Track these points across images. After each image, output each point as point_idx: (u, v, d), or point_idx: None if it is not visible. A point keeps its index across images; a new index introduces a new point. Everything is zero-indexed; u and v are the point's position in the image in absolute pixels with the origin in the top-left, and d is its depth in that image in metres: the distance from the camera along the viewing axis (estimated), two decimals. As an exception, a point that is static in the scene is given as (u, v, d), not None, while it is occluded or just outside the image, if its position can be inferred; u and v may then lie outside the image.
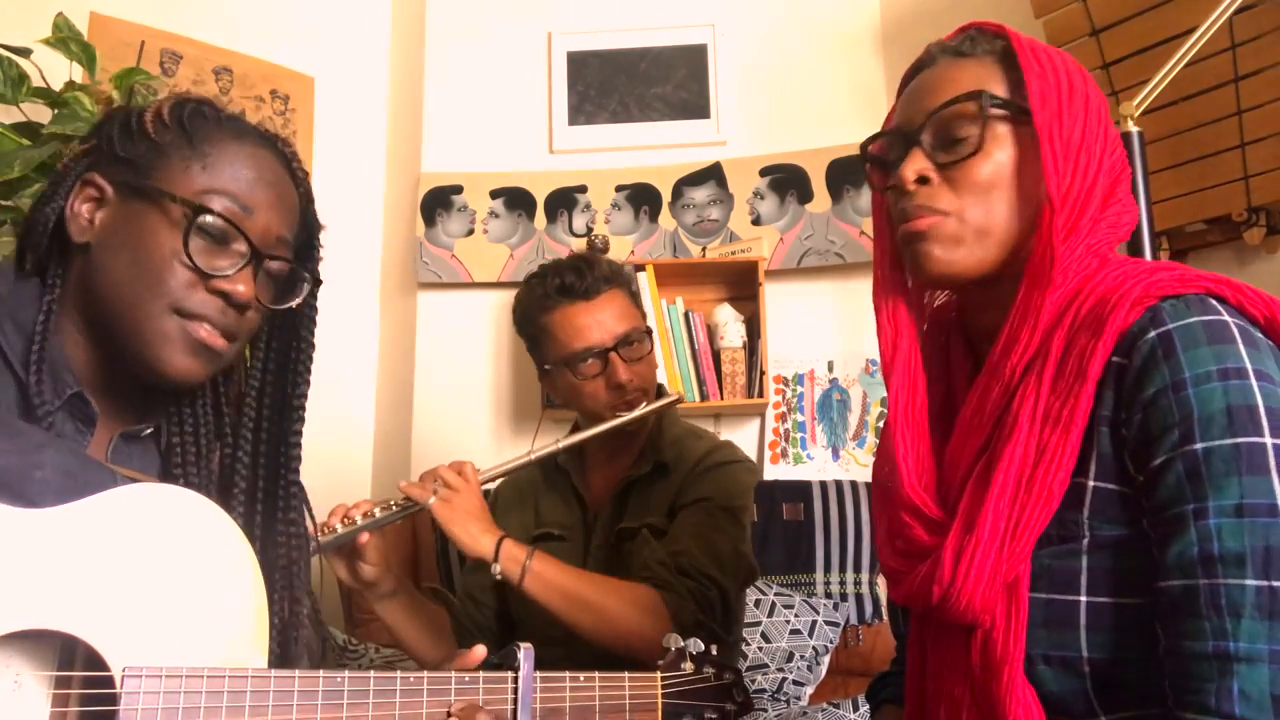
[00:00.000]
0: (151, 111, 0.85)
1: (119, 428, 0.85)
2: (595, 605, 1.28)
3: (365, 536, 1.28)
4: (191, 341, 0.81)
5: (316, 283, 0.92)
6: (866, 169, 0.94)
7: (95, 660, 0.67)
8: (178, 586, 0.71)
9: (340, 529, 1.26)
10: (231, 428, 0.90)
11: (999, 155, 0.82)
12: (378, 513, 1.29)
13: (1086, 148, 0.81)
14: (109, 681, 0.67)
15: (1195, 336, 0.72)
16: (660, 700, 1.00)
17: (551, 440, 1.46)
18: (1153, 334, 0.73)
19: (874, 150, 0.92)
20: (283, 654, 0.85)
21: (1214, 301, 0.74)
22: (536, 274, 1.50)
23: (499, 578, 1.28)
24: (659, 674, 1.01)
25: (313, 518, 0.95)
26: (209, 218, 0.81)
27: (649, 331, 1.50)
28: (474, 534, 1.29)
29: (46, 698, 0.67)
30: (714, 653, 1.08)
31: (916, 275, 0.87)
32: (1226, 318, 0.73)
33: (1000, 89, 0.83)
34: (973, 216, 0.82)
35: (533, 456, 1.43)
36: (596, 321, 1.43)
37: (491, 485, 1.46)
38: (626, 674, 0.98)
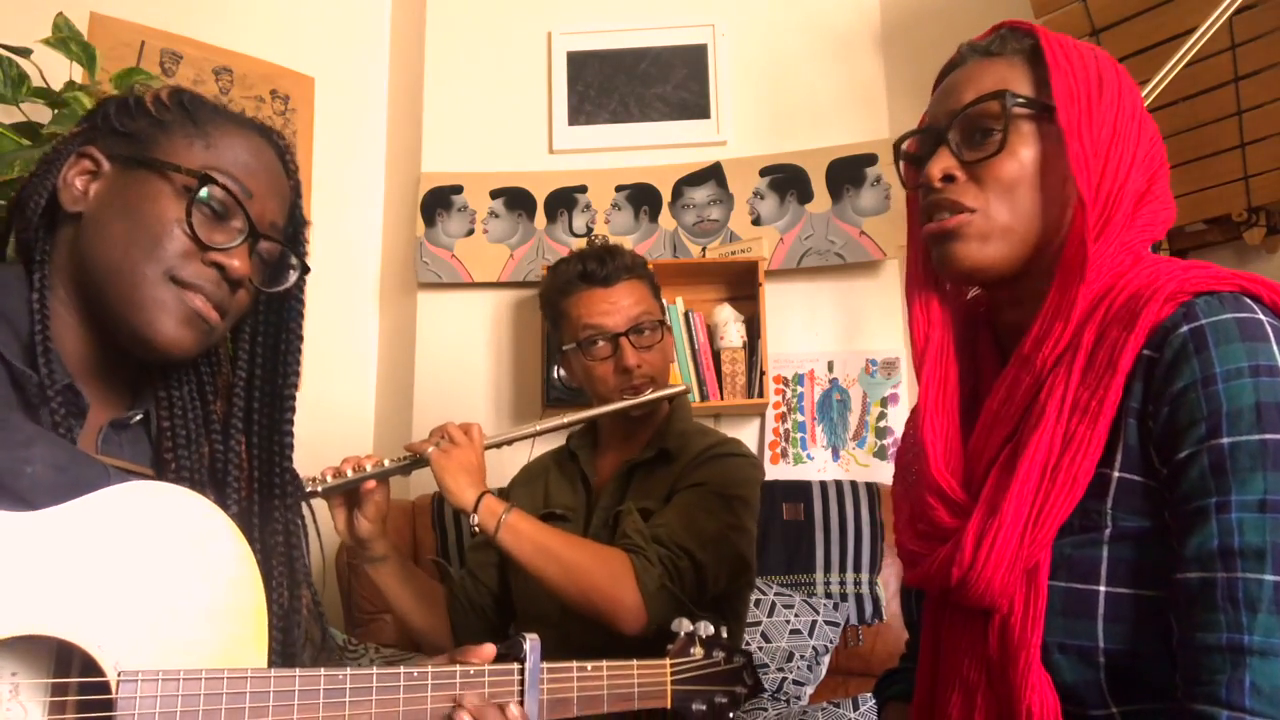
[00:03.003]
0: (150, 93, 0.86)
1: (108, 416, 0.84)
2: (563, 560, 1.33)
3: (371, 484, 1.35)
4: (186, 311, 0.81)
5: (305, 270, 0.92)
6: (900, 166, 0.95)
7: (91, 664, 0.66)
8: (174, 586, 0.70)
9: (350, 474, 1.34)
10: (221, 420, 0.90)
11: (1024, 153, 0.83)
12: (386, 463, 1.37)
13: (1118, 144, 0.81)
14: (105, 686, 0.66)
15: (1229, 332, 0.72)
16: (670, 687, 1.00)
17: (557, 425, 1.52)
18: (1185, 328, 0.73)
19: (907, 148, 0.94)
20: (285, 640, 0.85)
21: (1248, 300, 0.75)
22: (563, 259, 1.60)
23: (476, 529, 1.34)
24: (668, 661, 1.01)
25: (309, 503, 0.96)
26: (216, 189, 0.82)
27: (662, 323, 1.56)
28: (461, 485, 1.35)
29: (43, 704, 0.66)
30: (724, 636, 1.07)
31: (944, 271, 0.88)
32: (1260, 316, 0.73)
33: (1025, 87, 0.84)
34: (998, 213, 0.83)
35: (538, 429, 1.50)
36: (611, 306, 1.51)
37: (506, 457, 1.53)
38: (635, 662, 0.97)
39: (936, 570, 0.82)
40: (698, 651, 1.04)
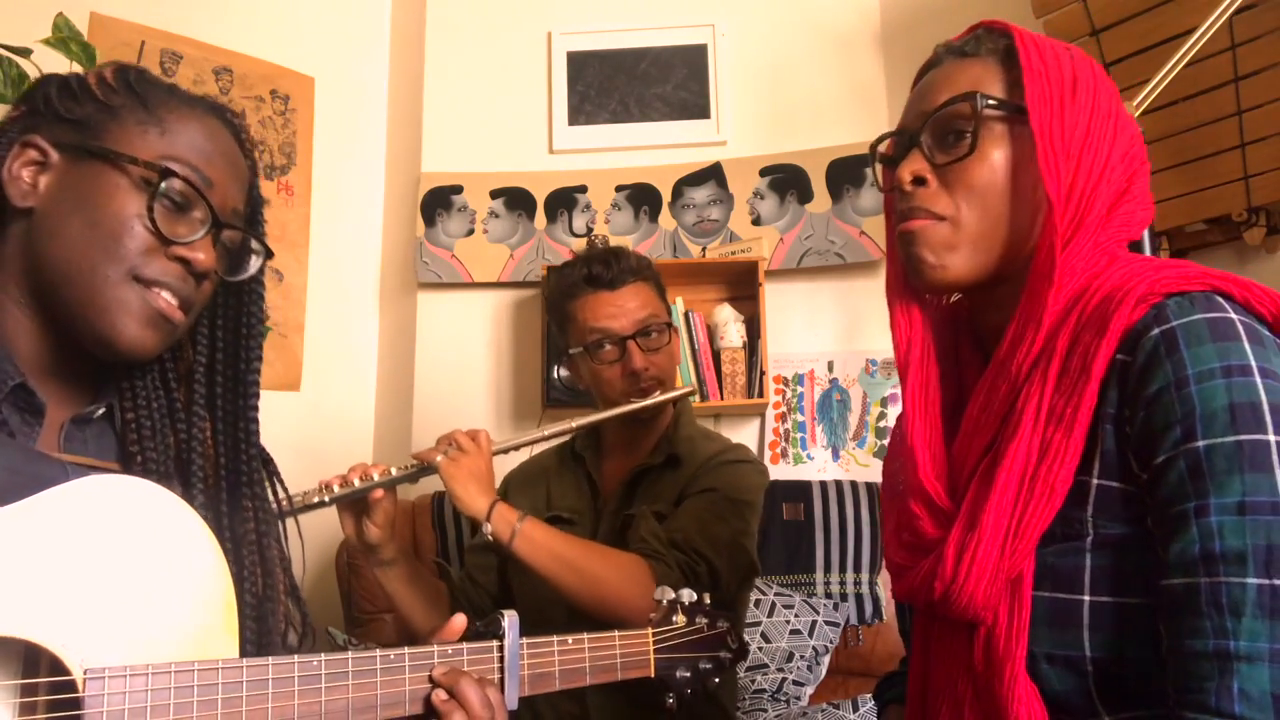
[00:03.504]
0: (94, 74, 0.81)
1: (69, 412, 0.81)
2: (582, 568, 1.32)
3: (379, 493, 1.34)
4: (150, 311, 0.78)
5: (268, 254, 0.89)
6: (877, 169, 0.94)
7: (59, 664, 0.65)
8: (138, 581, 0.68)
9: (358, 483, 1.33)
10: (184, 406, 0.87)
11: (995, 156, 0.82)
12: (394, 471, 1.35)
13: (1092, 145, 0.80)
14: (72, 685, 0.64)
15: (1199, 333, 0.71)
16: (653, 656, 0.99)
17: (565, 429, 1.52)
18: (1156, 331, 0.72)
19: (883, 150, 0.93)
20: (260, 629, 0.83)
21: (1220, 299, 0.74)
22: (568, 262, 1.59)
23: (490, 538, 1.32)
24: (650, 629, 1.00)
25: (283, 485, 0.93)
26: (176, 182, 0.78)
27: (670, 325, 1.55)
28: (472, 494, 1.34)
29: (12, 706, 0.65)
30: (706, 602, 1.07)
31: (915, 281, 0.88)
32: (1232, 315, 0.72)
33: (998, 88, 0.83)
34: (968, 219, 0.82)
35: (545, 433, 1.49)
36: (618, 310, 1.50)
37: (505, 457, 1.51)
38: (616, 633, 0.96)
39: (920, 584, 0.81)
40: (680, 619, 1.03)
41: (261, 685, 0.71)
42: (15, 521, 0.64)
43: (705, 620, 1.05)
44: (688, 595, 1.05)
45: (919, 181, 0.84)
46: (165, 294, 0.79)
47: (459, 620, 0.88)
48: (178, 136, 0.80)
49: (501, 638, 0.86)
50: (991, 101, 0.82)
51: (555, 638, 0.91)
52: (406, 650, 0.80)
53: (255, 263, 0.88)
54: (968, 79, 0.84)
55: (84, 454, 0.81)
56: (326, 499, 1.30)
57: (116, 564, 0.68)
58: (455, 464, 1.35)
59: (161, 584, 0.69)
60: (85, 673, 0.64)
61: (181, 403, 0.87)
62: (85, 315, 0.77)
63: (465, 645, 0.85)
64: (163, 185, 0.78)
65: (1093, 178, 0.80)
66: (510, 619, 0.87)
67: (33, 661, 0.66)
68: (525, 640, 0.88)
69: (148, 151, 0.78)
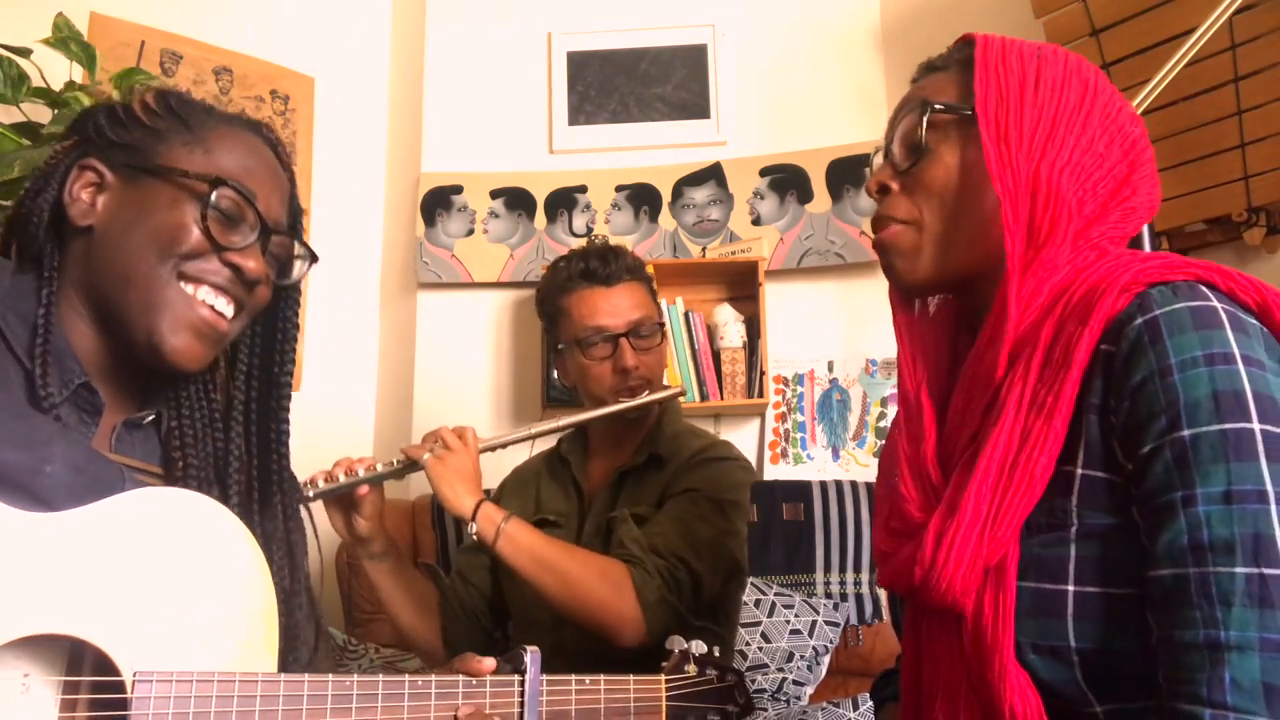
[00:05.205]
0: (138, 100, 0.87)
1: (121, 415, 0.86)
2: (562, 571, 1.31)
3: (364, 489, 1.34)
4: (194, 320, 0.82)
5: (314, 259, 0.94)
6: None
7: (105, 664, 0.67)
8: (189, 591, 0.72)
9: (343, 478, 1.33)
10: (222, 411, 0.91)
11: (949, 159, 0.85)
12: (379, 467, 1.35)
13: (1057, 141, 0.81)
14: (119, 686, 0.67)
15: (1182, 322, 0.72)
16: (665, 703, 1.01)
17: (553, 428, 1.51)
18: (1139, 320, 0.73)
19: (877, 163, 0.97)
20: (288, 621, 0.87)
21: (1203, 288, 0.74)
22: (563, 257, 1.59)
23: (474, 538, 1.32)
24: (663, 677, 1.02)
25: (306, 505, 0.97)
26: (226, 191, 0.83)
27: (661, 326, 1.55)
28: (459, 493, 1.34)
29: (55, 701, 0.67)
30: (716, 654, 1.09)
31: (890, 284, 0.92)
32: (1215, 303, 0.73)
33: (952, 94, 0.86)
34: (929, 221, 0.86)
35: (534, 431, 1.48)
36: (612, 306, 1.50)
37: (491, 455, 1.50)
38: (631, 677, 0.99)
39: (901, 568, 0.82)
40: (691, 669, 1.06)
41: (297, 701, 0.75)
42: (78, 525, 0.68)
43: (715, 672, 1.08)
44: (697, 647, 1.07)
45: (883, 190, 0.88)
46: (211, 298, 0.83)
47: (489, 662, 0.90)
48: (221, 155, 0.85)
49: (524, 672, 0.89)
50: (939, 106, 0.85)
51: (574, 676, 0.94)
52: (434, 678, 0.84)
53: (301, 267, 0.93)
54: (929, 90, 0.88)
55: (132, 456, 0.85)
56: (310, 493, 1.30)
57: (171, 575, 0.71)
58: (441, 463, 1.35)
59: (211, 597, 0.73)
60: (135, 675, 0.67)
61: (221, 410, 0.91)
62: (140, 319, 0.81)
63: (489, 677, 0.88)
64: (213, 195, 0.82)
65: (1060, 173, 0.80)
66: (532, 655, 0.90)
67: (76, 662, 0.69)
68: (545, 677, 0.91)
69: (195, 169, 0.83)
